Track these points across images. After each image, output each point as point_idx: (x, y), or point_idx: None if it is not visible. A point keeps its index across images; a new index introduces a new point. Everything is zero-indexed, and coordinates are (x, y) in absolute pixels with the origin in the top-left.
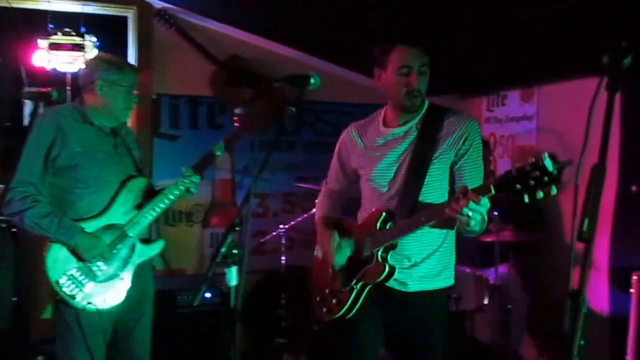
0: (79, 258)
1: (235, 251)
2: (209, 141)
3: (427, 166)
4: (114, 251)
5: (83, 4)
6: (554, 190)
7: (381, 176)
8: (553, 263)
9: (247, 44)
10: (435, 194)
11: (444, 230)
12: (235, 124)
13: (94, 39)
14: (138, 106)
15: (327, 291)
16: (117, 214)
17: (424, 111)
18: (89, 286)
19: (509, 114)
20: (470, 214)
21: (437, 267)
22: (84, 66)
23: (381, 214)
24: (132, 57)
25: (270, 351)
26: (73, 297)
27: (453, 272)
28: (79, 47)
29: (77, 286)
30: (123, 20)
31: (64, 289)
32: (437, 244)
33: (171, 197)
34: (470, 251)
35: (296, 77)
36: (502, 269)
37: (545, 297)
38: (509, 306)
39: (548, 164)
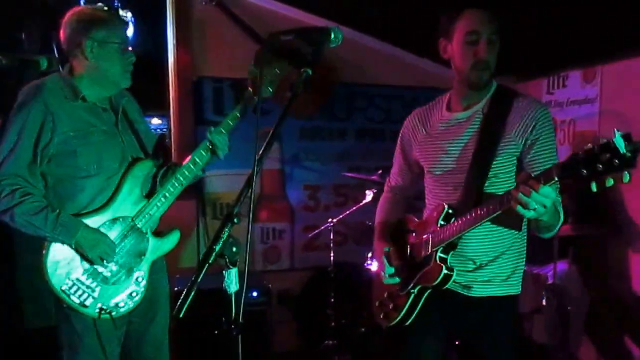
0: (84, 258)
1: (234, 249)
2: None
3: (492, 155)
4: (124, 247)
5: None
6: (626, 177)
7: (443, 166)
8: (618, 260)
9: (294, 20)
10: (503, 187)
11: (512, 231)
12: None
13: (129, 14)
14: (178, 91)
15: (385, 295)
16: (125, 205)
17: (491, 93)
18: (100, 290)
19: (570, 96)
20: (530, 203)
21: (505, 271)
22: (64, 27)
23: (443, 209)
24: (170, 36)
25: (320, 353)
26: (84, 304)
27: (521, 279)
28: None
29: (85, 292)
30: None
31: (72, 297)
32: (504, 246)
33: (185, 175)
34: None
35: (312, 31)
36: (561, 266)
37: (608, 297)
38: (569, 307)
39: (620, 143)
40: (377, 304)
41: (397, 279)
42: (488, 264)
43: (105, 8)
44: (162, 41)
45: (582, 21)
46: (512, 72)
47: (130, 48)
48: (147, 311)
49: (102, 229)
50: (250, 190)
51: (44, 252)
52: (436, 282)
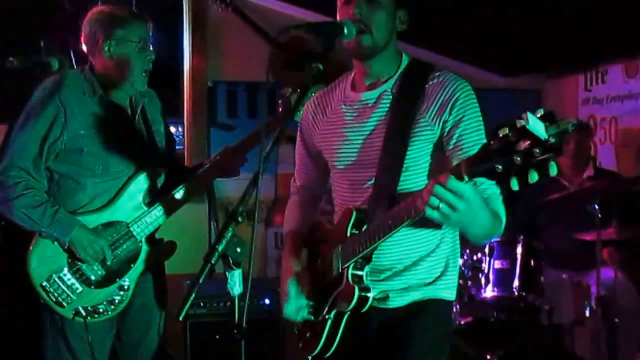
0: (72, 257)
1: (238, 249)
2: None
3: (405, 144)
4: (115, 252)
5: None
6: (553, 169)
7: (347, 159)
8: None
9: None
10: (421, 183)
11: (437, 231)
12: (279, 108)
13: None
14: (193, 95)
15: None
16: (123, 210)
17: (401, 69)
18: (81, 291)
19: (610, 92)
20: (440, 205)
21: (430, 274)
22: (84, 25)
23: (352, 215)
24: (186, 42)
25: None
26: (60, 304)
27: (455, 284)
28: None
29: (65, 292)
30: (177, 1)
31: (50, 294)
32: (427, 249)
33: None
34: (566, 252)
35: (324, 25)
36: (607, 273)
37: None
38: (616, 319)
39: (538, 129)
40: (295, 331)
41: (304, 313)
42: (407, 270)
43: (123, 6)
44: (178, 47)
45: (620, 11)
46: (545, 68)
47: (151, 47)
48: (141, 320)
49: (96, 230)
50: (255, 190)
51: (32, 244)
52: (351, 307)
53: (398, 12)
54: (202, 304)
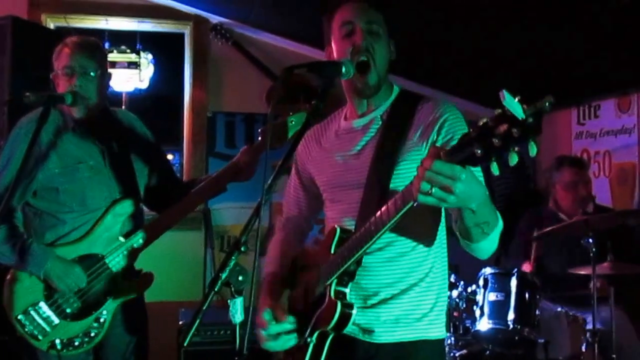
0: (49, 289)
1: (240, 278)
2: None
3: (392, 166)
4: (91, 284)
5: (139, 22)
6: (533, 149)
7: (337, 182)
8: None
9: (305, 57)
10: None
11: (429, 253)
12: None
13: (150, 56)
14: (192, 125)
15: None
16: (100, 242)
17: (392, 98)
18: (56, 324)
19: (603, 126)
20: (423, 185)
21: (419, 308)
22: (54, 57)
23: (335, 233)
24: (187, 74)
25: None
26: (35, 336)
27: (444, 319)
28: (135, 65)
29: (41, 324)
30: (180, 37)
31: (25, 327)
32: (416, 276)
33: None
34: (563, 286)
35: (324, 64)
36: (604, 308)
37: None
38: (613, 355)
39: (515, 108)
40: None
41: (285, 340)
42: (395, 298)
43: (91, 38)
44: (180, 80)
45: (613, 47)
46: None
47: (76, 74)
48: (118, 353)
49: (72, 262)
50: (257, 221)
51: (8, 276)
52: (333, 324)
53: (390, 42)
54: (196, 332)
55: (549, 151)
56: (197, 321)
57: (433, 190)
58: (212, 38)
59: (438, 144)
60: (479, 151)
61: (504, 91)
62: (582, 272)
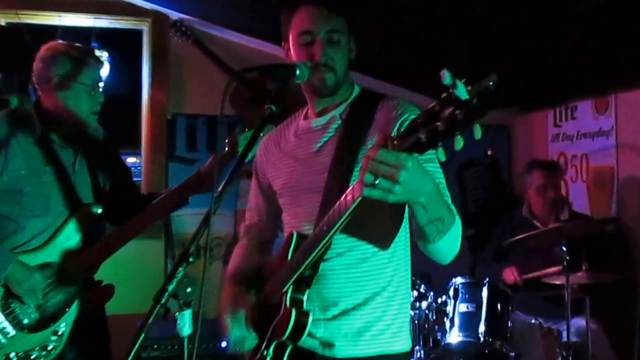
0: (7, 296)
1: (189, 290)
2: (230, 166)
3: (351, 168)
4: (49, 295)
5: (95, 18)
6: (478, 132)
7: (296, 185)
8: None
9: (272, 56)
10: (369, 206)
11: (391, 259)
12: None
13: (106, 54)
14: (151, 128)
15: None
16: (60, 251)
17: (352, 97)
18: (13, 335)
19: (580, 128)
20: (367, 177)
21: (381, 318)
22: (37, 60)
23: (292, 238)
24: (146, 74)
25: None
26: None
27: (409, 330)
28: None
29: None
30: (138, 34)
31: None
32: (378, 284)
33: None
34: (533, 295)
35: (277, 67)
36: (578, 321)
37: None
38: None
39: (456, 86)
40: None
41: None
42: (356, 309)
43: (80, 45)
44: (138, 79)
45: (590, 46)
46: (512, 103)
47: (101, 88)
48: None
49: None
50: (206, 230)
51: None
52: (287, 333)
53: (350, 42)
54: (155, 347)
55: (525, 154)
56: (141, 337)
57: (378, 181)
58: (172, 35)
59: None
60: (423, 137)
61: (445, 71)
62: (556, 282)
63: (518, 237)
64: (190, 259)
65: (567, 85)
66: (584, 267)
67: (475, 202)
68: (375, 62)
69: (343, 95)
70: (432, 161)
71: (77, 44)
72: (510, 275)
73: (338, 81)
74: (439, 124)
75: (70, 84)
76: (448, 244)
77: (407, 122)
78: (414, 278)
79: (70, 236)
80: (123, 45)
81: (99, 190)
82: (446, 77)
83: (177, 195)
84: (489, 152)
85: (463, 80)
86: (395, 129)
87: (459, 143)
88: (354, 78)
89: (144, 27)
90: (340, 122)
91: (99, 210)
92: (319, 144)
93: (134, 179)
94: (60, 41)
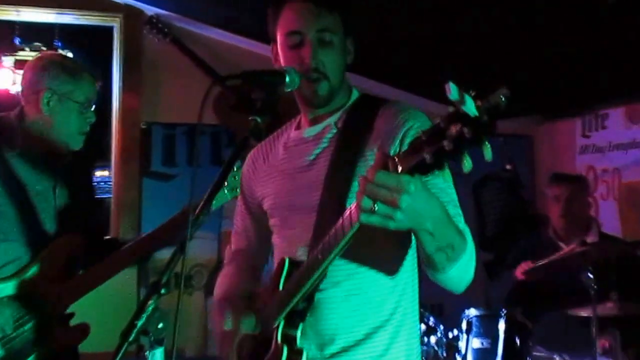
0: None
1: (161, 325)
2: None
3: (348, 182)
4: (19, 331)
5: (58, 13)
6: (488, 152)
7: (287, 203)
8: None
9: (259, 57)
10: (370, 229)
11: (395, 290)
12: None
13: (71, 54)
14: (122, 139)
15: None
16: (30, 283)
17: (349, 103)
18: None
19: (611, 139)
20: (364, 201)
21: (386, 356)
22: (27, 69)
23: (284, 265)
24: (117, 77)
25: None
26: None
27: None
28: None
29: None
30: (107, 31)
31: None
32: (380, 315)
33: None
34: (557, 330)
35: (263, 74)
36: (606, 355)
37: None
38: None
39: (463, 101)
40: None
41: None
42: (357, 346)
43: (76, 60)
44: (108, 83)
45: (623, 47)
46: (536, 111)
47: (93, 108)
48: None
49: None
50: (182, 257)
51: None
52: None
53: (346, 43)
54: None
55: (549, 169)
56: None
57: (376, 206)
58: (147, 33)
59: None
60: (428, 157)
61: (450, 84)
62: (582, 314)
63: (539, 263)
64: (162, 291)
65: (597, 91)
66: (613, 297)
67: (493, 224)
68: (378, 63)
69: (339, 102)
70: (441, 176)
71: (73, 59)
72: (521, 269)
73: (332, 89)
74: (445, 142)
75: (61, 99)
76: (460, 272)
77: (410, 133)
78: (422, 310)
79: (43, 267)
80: (90, 45)
81: (81, 218)
82: (452, 91)
83: (149, 241)
84: (508, 167)
85: (472, 94)
86: (398, 140)
87: (467, 164)
88: (350, 80)
89: (115, 23)
90: (335, 130)
91: (79, 240)
92: (312, 157)
93: (103, 196)
94: (55, 52)
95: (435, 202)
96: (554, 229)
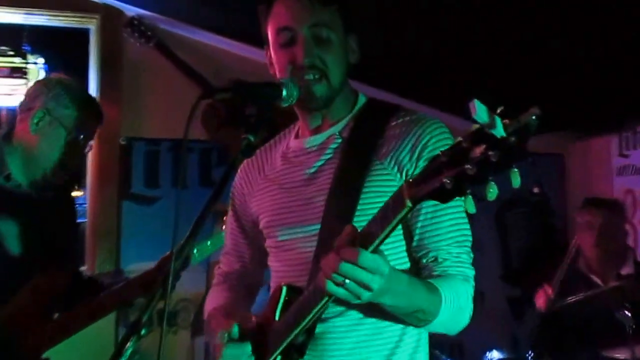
0: None
1: None
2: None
3: (355, 199)
4: None
5: (27, 14)
6: (516, 178)
7: (287, 222)
8: None
9: (253, 63)
10: (385, 250)
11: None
12: None
13: (41, 60)
14: (99, 156)
15: None
16: (8, 322)
17: (356, 110)
18: None
19: None
20: (347, 283)
21: None
22: (31, 85)
23: (280, 294)
24: (93, 86)
25: None
26: None
27: None
28: (20, 72)
29: None
30: (83, 34)
31: None
32: (387, 344)
33: None
34: None
35: (257, 87)
36: None
37: None
38: None
39: (487, 120)
40: None
41: None
42: None
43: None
44: None
45: None
46: (568, 127)
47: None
48: None
49: None
50: (166, 294)
51: None
52: None
53: (349, 41)
54: None
55: (582, 192)
56: None
57: (347, 282)
58: (128, 36)
59: (415, 173)
60: (448, 181)
61: (475, 101)
62: (618, 356)
63: (570, 299)
64: (143, 331)
65: (636, 104)
66: None
67: (519, 254)
68: (398, 76)
69: (343, 108)
70: (453, 207)
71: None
72: (541, 296)
73: (331, 91)
74: (468, 166)
75: (52, 122)
76: (444, 325)
77: (427, 150)
78: (437, 352)
79: (22, 308)
80: (64, 49)
81: (63, 250)
82: (478, 110)
83: (133, 288)
84: (536, 190)
85: (498, 111)
86: (414, 158)
87: (492, 192)
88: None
89: (91, 25)
90: (340, 141)
91: (63, 276)
92: (313, 169)
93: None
94: (65, 76)
95: (403, 278)
96: (587, 261)
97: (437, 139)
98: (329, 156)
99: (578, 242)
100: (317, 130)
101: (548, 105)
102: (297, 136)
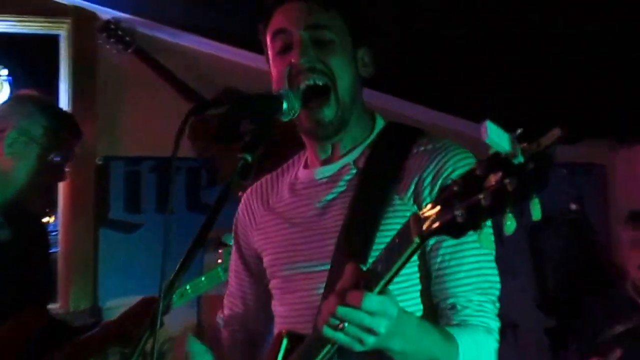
0: None
1: None
2: (191, 232)
3: (371, 237)
4: None
5: None
6: (537, 210)
7: (291, 260)
8: None
9: (246, 69)
10: (394, 290)
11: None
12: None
13: (5, 72)
14: (72, 178)
15: None
16: None
17: (373, 136)
18: None
19: None
20: (331, 321)
21: None
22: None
23: (282, 341)
24: (64, 99)
25: None
26: None
27: None
28: None
29: None
30: (52, 41)
31: None
32: None
33: None
34: None
35: (252, 100)
36: None
37: None
38: None
39: (504, 146)
40: None
41: None
42: None
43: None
44: None
45: None
46: (609, 134)
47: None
48: None
49: None
50: (153, 332)
51: None
52: None
53: (358, 52)
54: None
55: (627, 206)
56: None
57: (346, 325)
58: (103, 42)
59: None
60: (459, 214)
61: (487, 122)
62: None
63: (619, 328)
64: None
65: None
66: None
67: (555, 279)
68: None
69: (359, 133)
70: (475, 247)
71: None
72: None
73: (342, 110)
74: (481, 197)
75: (28, 142)
76: None
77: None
78: None
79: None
80: (31, 58)
81: (47, 283)
82: (489, 132)
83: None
84: (574, 206)
85: (516, 135)
86: (434, 194)
87: (510, 225)
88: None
89: (61, 31)
90: (355, 172)
91: (44, 315)
92: (323, 203)
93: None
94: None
95: (413, 320)
96: (634, 283)
97: (461, 171)
98: (342, 189)
99: (622, 261)
100: (329, 160)
101: (587, 111)
102: (306, 165)
